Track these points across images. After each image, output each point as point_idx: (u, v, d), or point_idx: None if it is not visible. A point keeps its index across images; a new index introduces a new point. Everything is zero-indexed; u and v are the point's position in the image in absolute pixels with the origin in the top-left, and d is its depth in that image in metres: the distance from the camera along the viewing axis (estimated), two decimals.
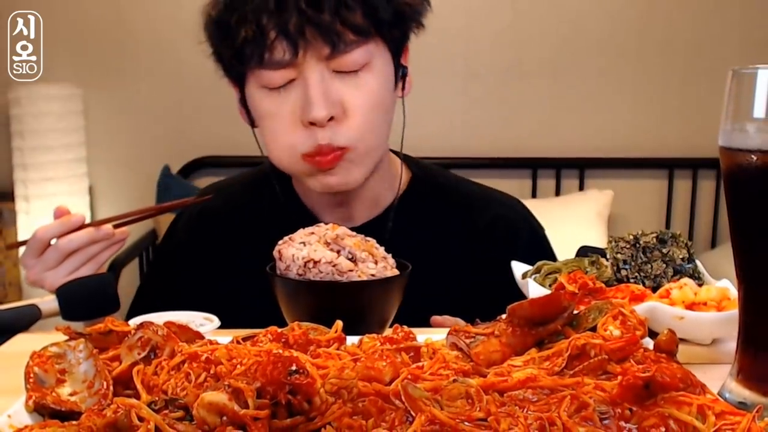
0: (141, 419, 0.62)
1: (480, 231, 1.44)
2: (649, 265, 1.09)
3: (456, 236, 1.44)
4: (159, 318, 0.99)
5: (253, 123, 1.40)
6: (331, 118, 1.25)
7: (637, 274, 1.09)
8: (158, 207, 1.52)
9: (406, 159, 1.50)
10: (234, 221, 1.49)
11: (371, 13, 1.25)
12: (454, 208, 1.47)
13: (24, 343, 1.02)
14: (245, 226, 1.47)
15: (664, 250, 1.10)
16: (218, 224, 1.49)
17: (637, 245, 1.11)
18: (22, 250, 1.31)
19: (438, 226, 1.45)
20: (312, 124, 1.25)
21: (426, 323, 1.21)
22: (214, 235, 1.49)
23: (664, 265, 1.09)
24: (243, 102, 1.38)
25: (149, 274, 1.71)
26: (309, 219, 1.40)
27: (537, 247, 1.46)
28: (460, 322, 1.07)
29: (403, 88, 1.40)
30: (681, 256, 1.10)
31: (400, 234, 1.41)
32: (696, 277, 1.09)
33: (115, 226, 1.31)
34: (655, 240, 1.11)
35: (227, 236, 1.48)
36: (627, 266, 1.10)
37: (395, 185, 1.47)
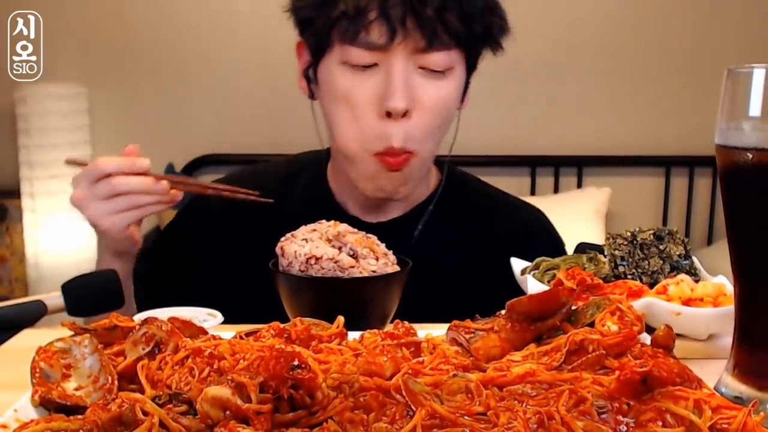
0: (145, 413, 0.62)
1: (501, 236, 1.44)
2: (647, 262, 1.09)
3: (479, 239, 1.44)
4: (163, 313, 0.99)
5: (312, 95, 1.37)
6: (406, 113, 1.24)
7: (634, 270, 1.09)
8: (217, 187, 1.41)
9: (439, 161, 1.50)
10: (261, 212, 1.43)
11: (467, 21, 1.24)
12: (480, 212, 1.47)
13: (30, 339, 1.02)
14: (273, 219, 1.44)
15: (661, 247, 1.10)
16: (247, 212, 1.45)
17: (635, 242, 1.11)
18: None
19: (463, 227, 1.45)
20: (388, 115, 1.23)
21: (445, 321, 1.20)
22: (239, 225, 1.45)
23: (661, 262, 1.09)
24: (306, 73, 1.35)
25: (156, 251, 1.58)
26: (335, 211, 1.40)
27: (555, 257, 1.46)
28: None
29: (462, 101, 1.39)
30: (678, 253, 1.10)
31: (427, 232, 1.41)
32: (693, 273, 1.09)
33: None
34: (652, 237, 1.11)
35: (253, 228, 1.44)
36: (624, 263, 1.10)
37: (430, 185, 1.47)
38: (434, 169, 1.49)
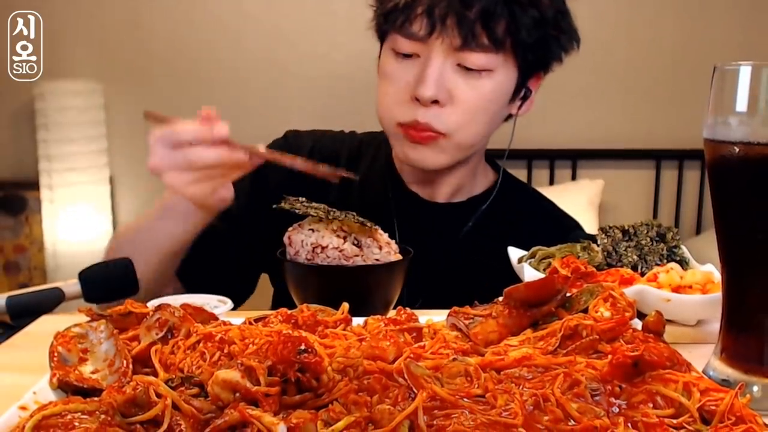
0: (159, 396, 0.62)
1: (541, 241, 1.44)
2: (638, 252, 1.09)
3: (522, 240, 1.42)
4: (175, 300, 0.99)
5: None
6: (436, 102, 1.28)
7: (626, 260, 1.09)
8: (310, 167, 1.16)
9: (493, 163, 1.56)
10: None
11: (514, 31, 1.27)
12: (528, 217, 1.50)
13: (48, 324, 1.02)
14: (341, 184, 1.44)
15: (652, 237, 1.10)
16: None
17: (627, 234, 1.11)
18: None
19: (511, 227, 1.47)
20: (417, 100, 1.29)
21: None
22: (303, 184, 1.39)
23: (652, 252, 1.09)
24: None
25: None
26: (397, 184, 1.48)
27: None
28: None
29: (520, 107, 1.43)
30: (668, 243, 1.10)
31: (479, 225, 1.45)
32: (682, 262, 1.09)
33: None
34: (643, 229, 1.11)
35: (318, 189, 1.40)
36: (617, 253, 1.10)
37: (483, 182, 1.52)
38: (490, 169, 1.54)
